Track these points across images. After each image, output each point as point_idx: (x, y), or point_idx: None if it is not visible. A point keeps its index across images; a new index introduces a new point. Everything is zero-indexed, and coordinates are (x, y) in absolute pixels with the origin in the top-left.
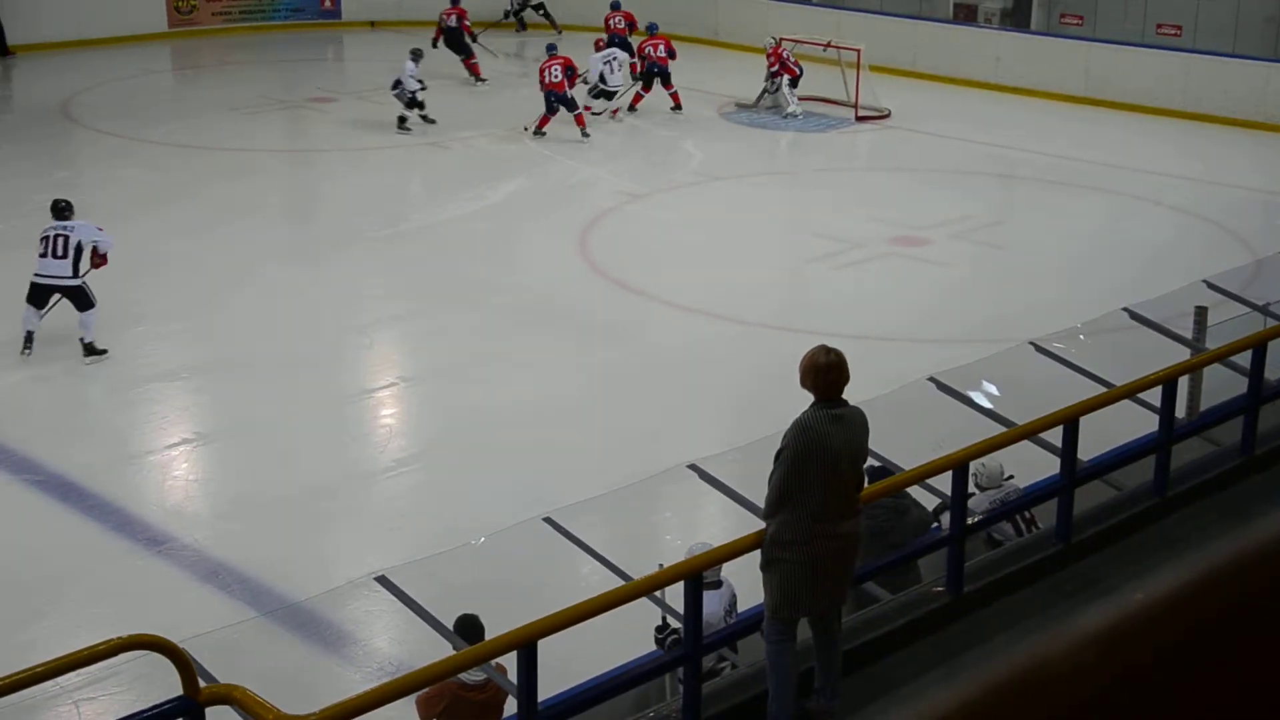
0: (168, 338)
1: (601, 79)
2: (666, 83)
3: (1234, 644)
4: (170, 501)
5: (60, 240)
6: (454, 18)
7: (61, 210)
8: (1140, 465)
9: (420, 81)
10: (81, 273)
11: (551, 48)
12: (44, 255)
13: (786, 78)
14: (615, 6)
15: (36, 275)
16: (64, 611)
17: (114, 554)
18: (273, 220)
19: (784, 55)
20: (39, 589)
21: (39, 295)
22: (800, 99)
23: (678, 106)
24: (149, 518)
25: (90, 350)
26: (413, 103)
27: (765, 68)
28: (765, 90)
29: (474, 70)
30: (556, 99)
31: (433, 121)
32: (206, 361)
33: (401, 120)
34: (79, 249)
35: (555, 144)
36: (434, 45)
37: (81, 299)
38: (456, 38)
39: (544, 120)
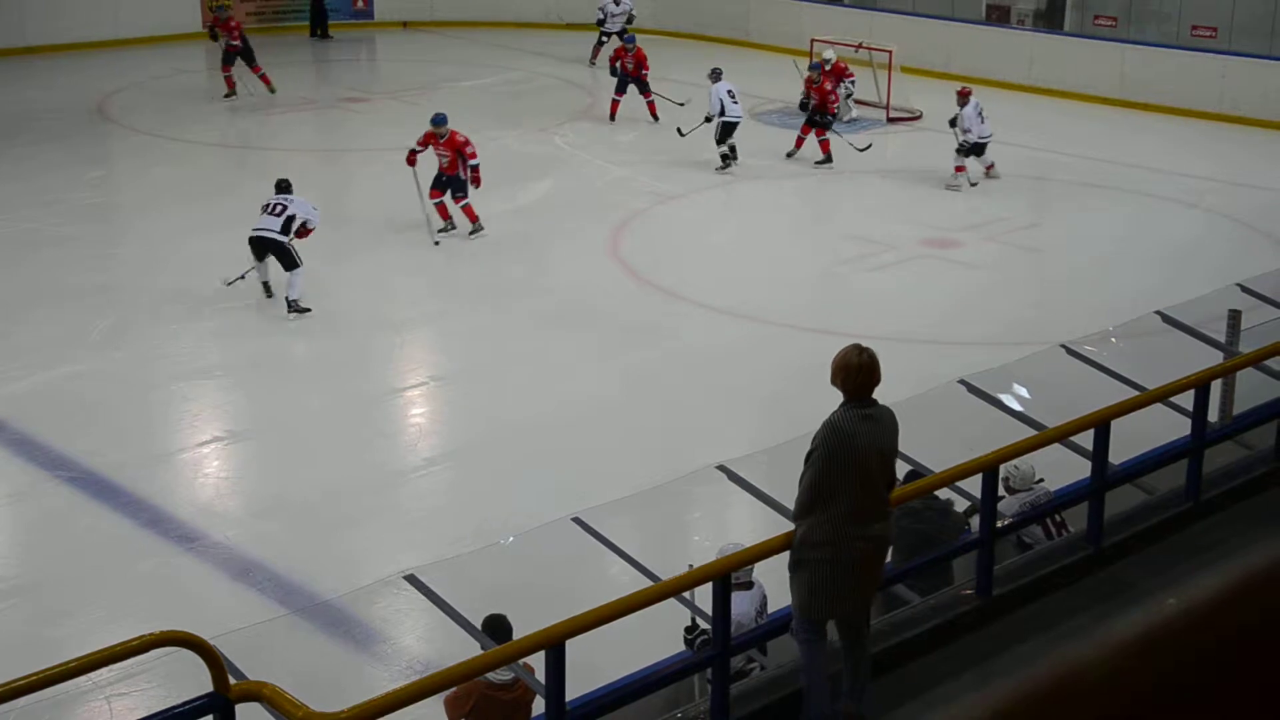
0: (198, 336)
1: (965, 128)
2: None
3: (1270, 650)
4: (201, 499)
5: (278, 206)
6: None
7: (283, 187)
8: (1172, 470)
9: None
10: (289, 237)
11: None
12: (261, 214)
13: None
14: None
15: (253, 231)
16: (96, 608)
17: (145, 551)
18: None
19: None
20: (72, 585)
21: (257, 249)
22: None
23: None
24: (180, 515)
25: (293, 307)
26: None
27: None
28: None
29: (231, 85)
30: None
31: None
32: (237, 360)
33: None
34: (291, 218)
35: (587, 145)
36: None
37: (287, 258)
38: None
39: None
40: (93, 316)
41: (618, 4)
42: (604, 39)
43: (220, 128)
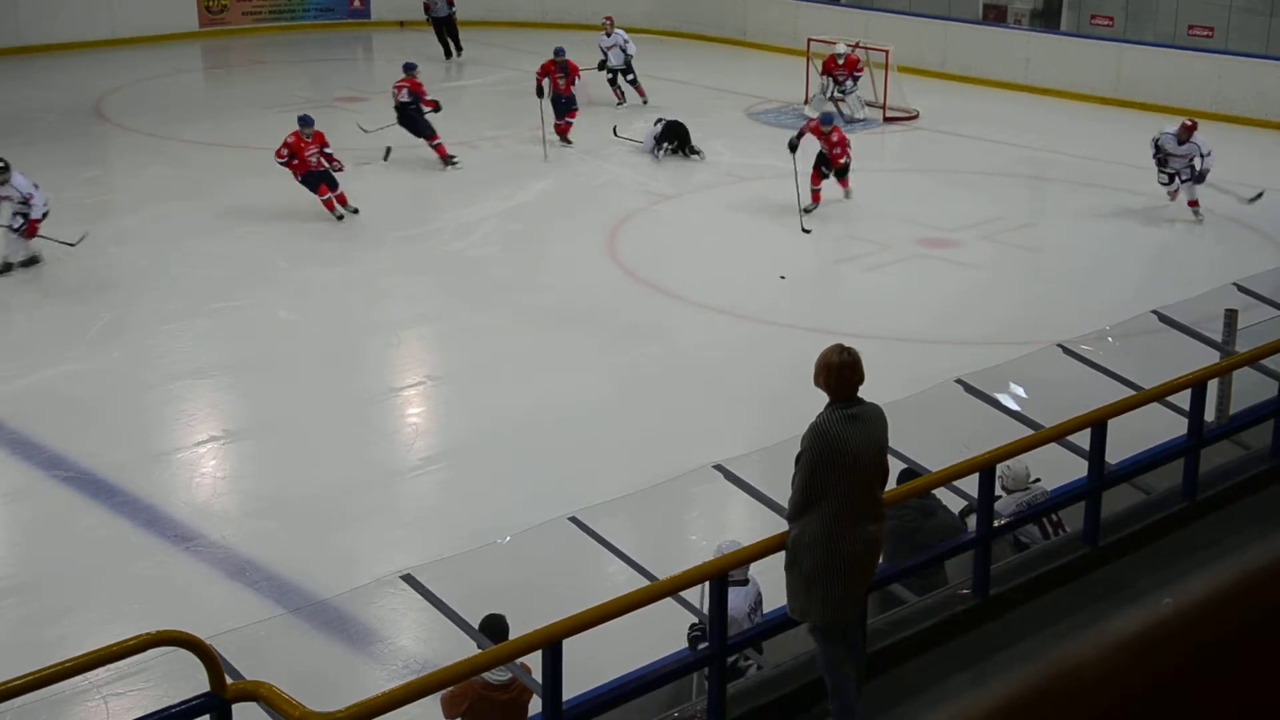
0: (195, 335)
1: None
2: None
3: (1269, 650)
4: (198, 499)
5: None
6: (405, 92)
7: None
8: (1169, 469)
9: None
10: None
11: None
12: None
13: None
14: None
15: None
16: (93, 607)
17: (142, 551)
18: (300, 219)
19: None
20: (69, 585)
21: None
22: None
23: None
24: (177, 515)
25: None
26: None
27: (828, 70)
28: (835, 93)
29: (440, 152)
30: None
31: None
32: (234, 359)
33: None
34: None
35: (583, 145)
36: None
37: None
38: (411, 116)
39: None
40: (89, 316)
41: (609, 35)
42: (612, 74)
43: (216, 128)
